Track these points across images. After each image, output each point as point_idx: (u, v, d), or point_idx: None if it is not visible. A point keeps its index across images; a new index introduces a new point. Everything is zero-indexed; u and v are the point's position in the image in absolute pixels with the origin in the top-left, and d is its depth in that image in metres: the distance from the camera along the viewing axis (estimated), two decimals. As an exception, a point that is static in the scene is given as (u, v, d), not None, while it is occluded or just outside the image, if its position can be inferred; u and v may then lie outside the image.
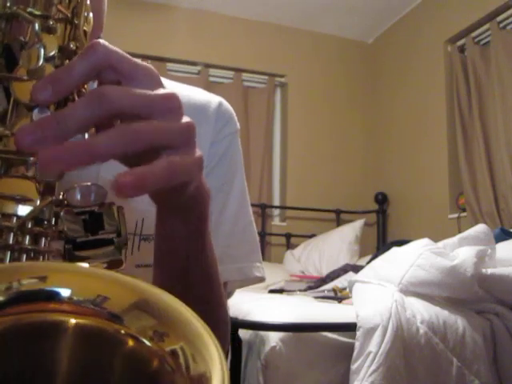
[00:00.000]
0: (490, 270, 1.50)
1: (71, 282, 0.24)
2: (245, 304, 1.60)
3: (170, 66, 3.42)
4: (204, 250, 0.43)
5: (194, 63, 3.50)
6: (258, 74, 3.65)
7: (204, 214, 0.40)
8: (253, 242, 0.66)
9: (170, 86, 0.61)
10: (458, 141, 2.91)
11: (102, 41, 0.30)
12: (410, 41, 3.43)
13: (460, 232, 1.78)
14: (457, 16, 2.99)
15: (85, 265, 0.26)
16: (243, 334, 1.47)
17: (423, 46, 3.27)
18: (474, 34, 2.91)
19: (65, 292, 0.23)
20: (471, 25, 2.90)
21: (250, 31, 3.62)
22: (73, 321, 0.23)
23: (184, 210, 0.38)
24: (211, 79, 3.54)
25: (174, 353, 0.22)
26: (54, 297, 0.23)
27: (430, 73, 3.21)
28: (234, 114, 0.66)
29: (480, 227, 1.69)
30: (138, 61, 0.32)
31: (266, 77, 3.65)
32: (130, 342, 0.23)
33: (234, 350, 1.41)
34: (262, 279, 0.65)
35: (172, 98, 0.31)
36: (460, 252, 1.55)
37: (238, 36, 3.59)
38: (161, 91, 0.31)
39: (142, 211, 0.52)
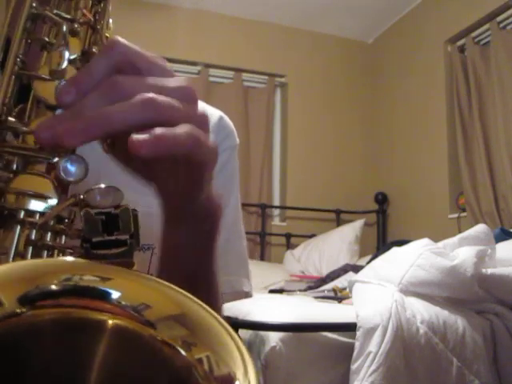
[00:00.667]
0: (490, 270, 1.50)
1: (125, 287, 0.26)
2: (245, 304, 1.59)
3: (170, 66, 3.41)
4: (211, 267, 0.43)
5: (194, 63, 3.50)
6: (258, 74, 3.65)
7: (214, 229, 0.39)
8: (243, 257, 0.66)
9: None
10: (458, 141, 2.91)
11: (119, 38, 0.31)
12: (410, 41, 3.43)
13: (460, 232, 1.78)
14: (457, 16, 2.99)
15: (146, 276, 0.28)
16: (243, 333, 1.47)
17: (423, 46, 3.27)
18: (474, 34, 2.91)
19: (115, 294, 0.25)
20: (471, 25, 2.90)
21: (250, 31, 3.62)
22: (111, 321, 0.25)
23: (193, 222, 0.37)
24: (211, 79, 3.54)
25: (200, 360, 0.24)
26: (104, 297, 0.25)
27: (429, 73, 3.21)
28: (234, 129, 0.66)
29: (480, 227, 1.69)
30: (155, 55, 0.33)
31: (266, 77, 3.65)
32: (162, 348, 0.25)
33: (234, 349, 1.41)
34: (248, 295, 0.66)
35: (188, 88, 0.32)
36: (460, 252, 1.55)
37: (237, 36, 3.59)
38: (176, 82, 0.32)
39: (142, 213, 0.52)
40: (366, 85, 3.81)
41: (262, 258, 3.32)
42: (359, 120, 3.78)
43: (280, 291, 2.36)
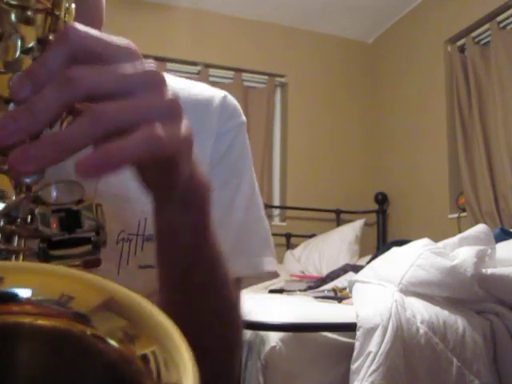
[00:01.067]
0: (490, 270, 1.50)
1: (31, 282, 0.22)
2: (245, 304, 1.59)
3: (169, 65, 3.42)
4: (207, 246, 0.41)
5: (194, 63, 3.50)
6: (258, 74, 3.65)
7: (204, 207, 0.38)
8: (265, 236, 0.62)
9: (174, 83, 0.61)
10: (458, 141, 2.91)
11: (73, 25, 0.29)
12: (410, 41, 3.43)
13: (460, 232, 1.78)
14: (457, 16, 2.99)
15: (45, 264, 0.25)
16: (243, 334, 1.47)
17: (423, 46, 3.27)
18: (474, 34, 2.91)
19: (24, 292, 0.22)
20: (471, 25, 2.90)
21: (250, 31, 3.62)
22: (34, 322, 0.22)
23: (181, 200, 0.36)
24: (211, 79, 3.54)
25: (144, 357, 0.21)
26: (12, 298, 0.22)
27: (429, 73, 3.21)
28: (239, 107, 0.64)
29: (480, 227, 1.69)
30: (115, 39, 0.30)
31: (266, 77, 3.65)
32: (98, 344, 0.22)
33: (234, 349, 1.41)
34: (274, 274, 0.61)
35: (152, 73, 0.29)
36: (460, 252, 1.55)
37: (238, 36, 3.59)
38: (140, 67, 0.29)
39: (144, 211, 0.50)
40: (366, 85, 3.81)
41: (262, 258, 3.32)
42: (359, 120, 3.78)
43: (280, 291, 2.36)
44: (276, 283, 2.60)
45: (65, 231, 0.28)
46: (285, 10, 3.49)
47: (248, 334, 1.48)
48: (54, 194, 0.28)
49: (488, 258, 1.54)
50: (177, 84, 0.61)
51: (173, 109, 0.29)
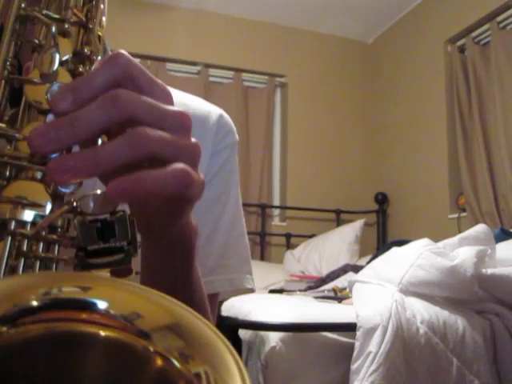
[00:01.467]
0: (490, 270, 1.50)
1: (111, 296, 0.24)
2: (245, 304, 1.60)
3: (169, 65, 3.42)
4: (190, 283, 0.43)
5: (193, 63, 3.50)
6: (258, 74, 3.65)
7: (191, 248, 0.40)
8: (244, 254, 0.66)
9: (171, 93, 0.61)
10: (458, 141, 2.91)
11: (123, 52, 0.30)
12: (410, 41, 3.43)
13: (460, 232, 1.78)
14: (457, 16, 2.99)
15: (131, 282, 0.26)
16: (243, 334, 1.48)
17: (423, 46, 3.27)
18: (474, 34, 2.91)
19: (102, 304, 0.24)
20: (471, 25, 2.90)
21: (250, 31, 3.62)
22: (103, 333, 0.24)
23: (171, 243, 0.37)
24: (211, 79, 3.54)
25: (197, 375, 0.22)
26: (90, 307, 0.23)
27: (429, 73, 3.21)
28: (234, 127, 0.66)
29: (480, 227, 1.69)
30: (155, 78, 0.32)
31: (266, 77, 3.65)
32: (157, 360, 0.23)
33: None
34: (251, 290, 0.65)
35: (184, 116, 0.31)
36: (460, 252, 1.55)
37: (238, 36, 3.59)
38: (174, 108, 0.31)
39: None
40: (366, 85, 3.81)
41: (262, 258, 3.32)
42: (359, 120, 3.78)
43: (280, 291, 2.36)
44: (276, 283, 2.60)
45: (100, 240, 0.29)
46: (285, 10, 3.49)
47: (248, 334, 1.48)
48: (92, 204, 0.29)
49: (488, 258, 1.54)
50: (175, 96, 0.61)
51: (196, 152, 0.31)
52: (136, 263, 0.53)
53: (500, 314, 1.50)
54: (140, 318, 0.24)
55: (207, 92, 3.40)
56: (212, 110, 0.64)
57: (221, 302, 0.62)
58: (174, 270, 0.40)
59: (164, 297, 0.25)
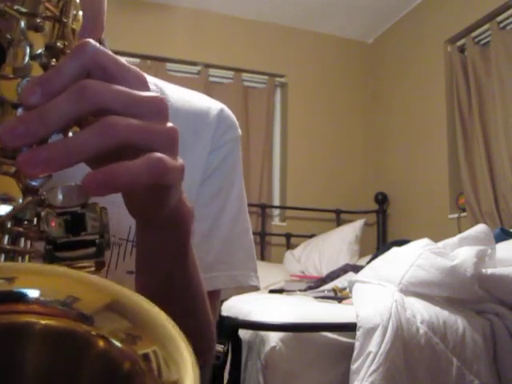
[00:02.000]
0: (490, 270, 1.50)
1: (40, 283, 0.23)
2: (245, 304, 1.60)
3: (169, 65, 3.42)
4: (187, 269, 0.42)
5: (193, 63, 3.50)
6: (258, 74, 3.65)
7: (186, 233, 0.39)
8: (249, 250, 0.64)
9: (173, 92, 0.61)
10: (458, 141, 2.91)
11: (90, 40, 0.30)
12: (410, 41, 3.43)
13: (460, 232, 1.78)
14: (457, 16, 2.99)
15: (55, 266, 0.26)
16: (243, 334, 1.47)
17: (423, 46, 3.27)
18: (474, 34, 2.91)
19: (33, 293, 0.23)
20: (471, 25, 2.90)
21: (250, 31, 3.62)
22: (41, 322, 0.23)
23: (165, 227, 0.37)
24: (211, 79, 3.54)
25: (146, 356, 0.21)
26: (22, 298, 0.22)
27: (429, 73, 3.21)
28: (236, 121, 0.65)
29: (480, 227, 1.69)
30: (127, 63, 0.31)
31: (266, 77, 3.65)
32: (101, 344, 0.22)
33: (234, 349, 1.41)
34: (256, 288, 0.63)
35: (158, 101, 0.30)
36: (460, 252, 1.55)
37: (238, 36, 3.59)
38: (148, 93, 0.31)
39: None
40: (366, 85, 3.81)
41: (262, 258, 3.32)
42: (359, 120, 3.78)
43: (280, 291, 2.36)
44: (276, 283, 2.60)
45: (70, 233, 0.28)
46: (285, 10, 3.49)
47: (248, 334, 1.48)
48: (60, 197, 0.28)
49: (488, 258, 1.54)
50: (175, 93, 0.61)
51: (173, 137, 0.31)
52: (129, 263, 0.53)
53: (500, 313, 1.50)
54: (78, 301, 0.23)
55: (207, 92, 3.40)
56: (212, 105, 0.63)
57: (222, 302, 0.60)
58: (170, 256, 0.40)
59: (96, 277, 0.24)
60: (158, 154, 0.28)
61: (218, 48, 3.52)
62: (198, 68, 3.50)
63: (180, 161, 0.31)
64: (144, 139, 0.29)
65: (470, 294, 1.49)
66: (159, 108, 0.30)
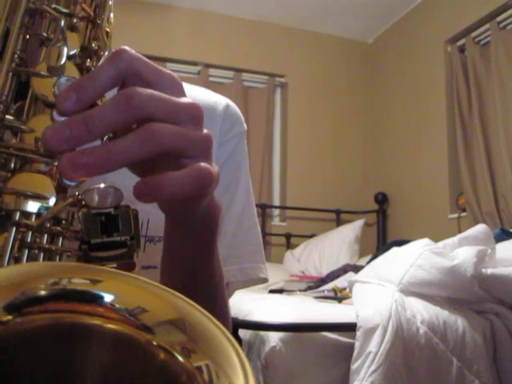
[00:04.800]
0: (489, 270, 1.50)
1: (119, 290, 0.24)
2: (245, 304, 1.59)
3: (169, 66, 3.42)
4: (211, 263, 0.43)
5: (194, 63, 3.50)
6: (258, 74, 3.65)
7: (215, 229, 0.40)
8: (257, 243, 0.65)
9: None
10: (458, 141, 2.91)
11: (126, 47, 0.30)
12: (410, 41, 3.43)
13: (460, 232, 1.78)
14: (457, 16, 2.99)
15: (138, 276, 0.26)
16: (243, 333, 1.47)
17: (423, 46, 3.27)
18: (474, 34, 2.91)
19: (108, 297, 0.24)
20: (471, 25, 2.90)
21: (250, 31, 3.62)
22: (107, 326, 0.24)
23: (195, 223, 0.37)
24: (211, 79, 3.54)
25: (199, 369, 0.22)
26: (97, 300, 0.24)
27: (429, 73, 3.21)
28: (241, 116, 0.65)
29: (480, 227, 1.69)
30: (163, 68, 0.32)
31: (266, 77, 3.65)
32: (160, 354, 0.24)
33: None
34: (265, 280, 0.64)
35: (196, 108, 0.31)
36: (460, 252, 1.55)
37: (238, 36, 3.59)
38: (185, 99, 0.31)
39: (147, 212, 0.51)
40: (366, 85, 3.81)
41: (262, 258, 3.32)
42: (359, 120, 3.78)
43: (280, 291, 2.35)
44: (276, 283, 2.60)
45: (104, 234, 0.29)
46: (285, 9, 3.49)
47: (248, 334, 1.48)
48: (96, 198, 0.29)
49: (488, 258, 1.54)
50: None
51: (209, 143, 0.31)
52: (143, 258, 0.53)
53: (500, 314, 1.49)
54: (145, 313, 0.24)
55: (207, 92, 3.40)
56: (218, 100, 0.63)
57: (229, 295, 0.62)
58: (198, 248, 0.40)
59: (171, 292, 0.25)
60: (205, 164, 0.29)
61: (218, 48, 3.52)
62: (198, 68, 3.50)
63: (216, 166, 0.32)
64: (184, 146, 0.29)
65: (469, 293, 1.49)
66: (196, 114, 0.31)
